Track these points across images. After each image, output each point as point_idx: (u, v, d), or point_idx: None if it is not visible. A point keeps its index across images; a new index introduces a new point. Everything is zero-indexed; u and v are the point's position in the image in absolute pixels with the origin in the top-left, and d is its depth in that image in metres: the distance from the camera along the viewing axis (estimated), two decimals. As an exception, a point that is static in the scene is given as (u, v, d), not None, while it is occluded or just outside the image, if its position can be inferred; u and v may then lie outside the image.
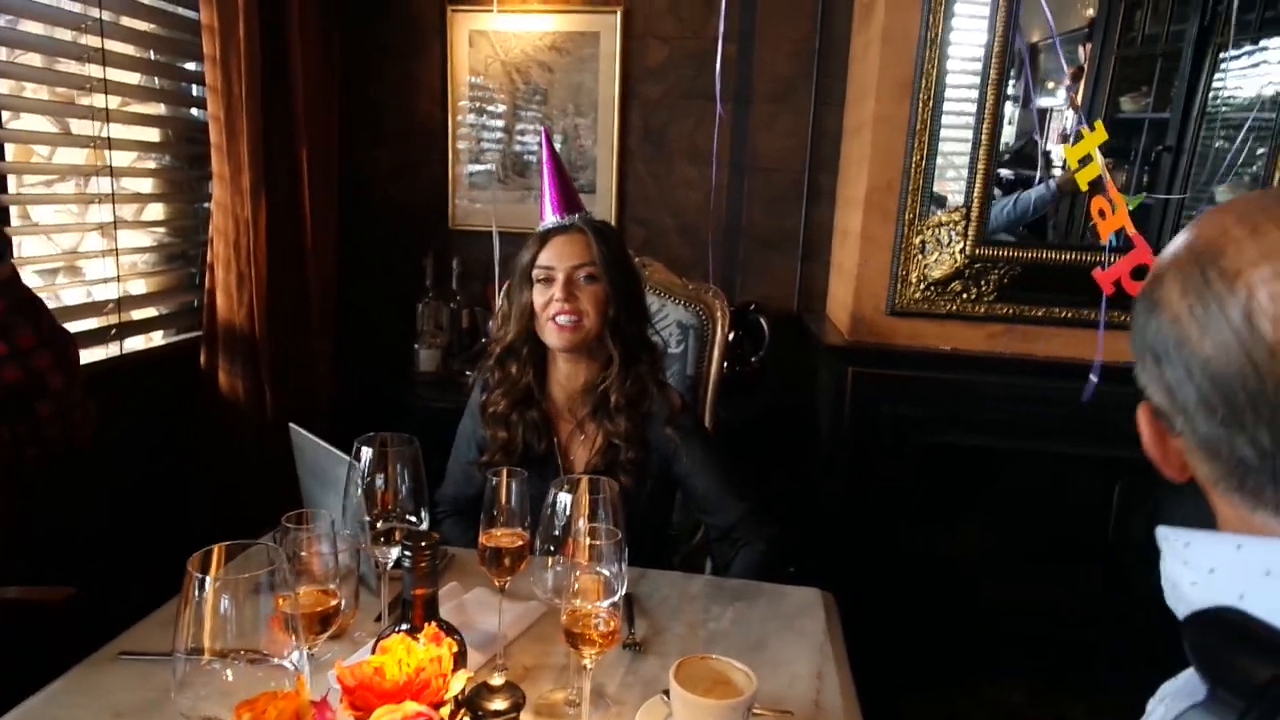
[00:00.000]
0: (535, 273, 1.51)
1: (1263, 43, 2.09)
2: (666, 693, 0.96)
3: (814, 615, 1.31)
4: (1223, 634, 0.53)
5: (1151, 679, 0.68)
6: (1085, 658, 2.29)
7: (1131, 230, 1.54)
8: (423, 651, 0.81)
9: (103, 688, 1.04)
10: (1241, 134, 2.19)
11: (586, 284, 1.49)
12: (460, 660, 0.90)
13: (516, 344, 1.55)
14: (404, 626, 0.93)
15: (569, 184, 1.58)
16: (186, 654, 0.74)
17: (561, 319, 1.48)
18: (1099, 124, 1.37)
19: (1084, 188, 1.74)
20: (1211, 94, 2.21)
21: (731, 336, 2.03)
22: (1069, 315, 2.16)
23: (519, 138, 2.84)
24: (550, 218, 1.54)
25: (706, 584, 1.42)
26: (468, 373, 2.54)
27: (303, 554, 0.96)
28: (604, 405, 1.53)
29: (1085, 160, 1.42)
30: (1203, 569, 0.57)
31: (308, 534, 0.97)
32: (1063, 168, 2.31)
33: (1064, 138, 2.42)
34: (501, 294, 1.66)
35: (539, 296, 1.51)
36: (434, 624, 0.91)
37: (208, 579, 0.72)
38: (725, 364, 1.97)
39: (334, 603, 0.95)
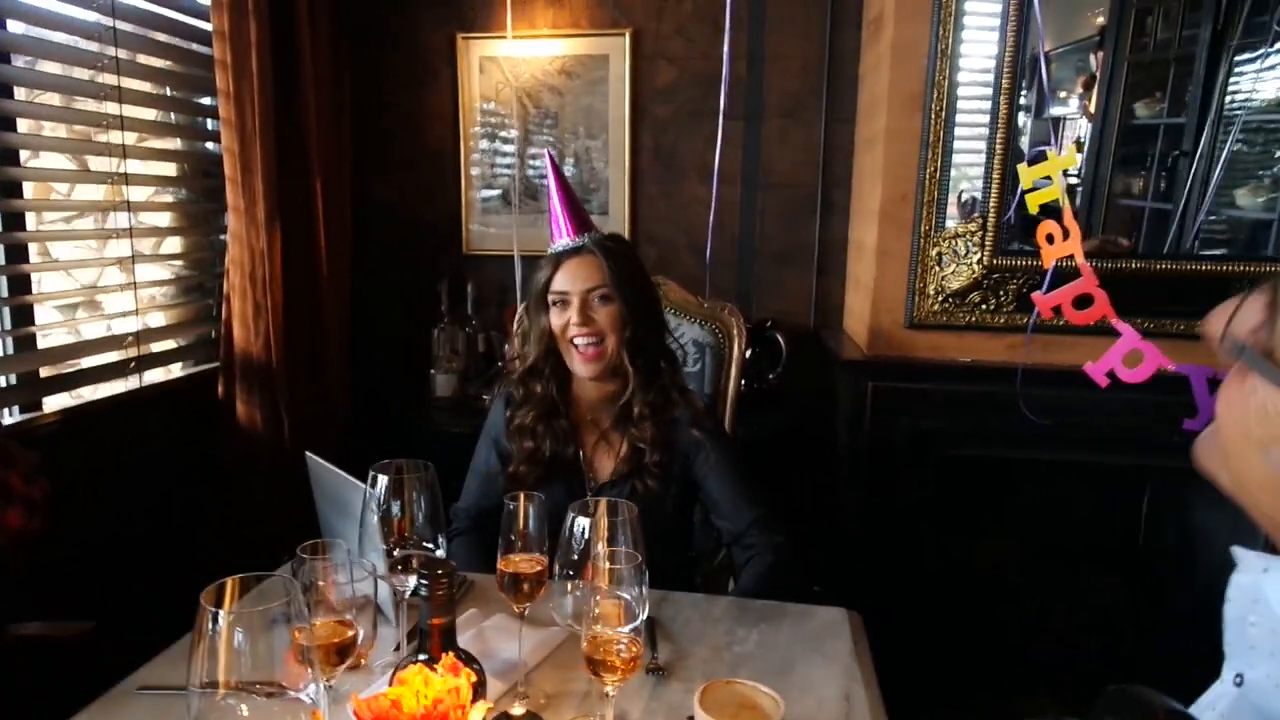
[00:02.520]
0: (550, 297, 1.53)
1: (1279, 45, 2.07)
2: (692, 718, 0.94)
3: (840, 636, 1.28)
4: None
5: (1183, 689, 0.66)
6: (1116, 669, 2.24)
7: (1080, 259, 1.52)
8: (440, 682, 0.80)
9: (121, 723, 1.03)
10: (1260, 137, 2.16)
11: (601, 305, 1.51)
12: (479, 690, 0.88)
13: (539, 365, 1.58)
14: (422, 657, 0.92)
15: (577, 204, 1.59)
16: (201, 689, 0.73)
17: (580, 341, 1.51)
18: (1071, 147, 1.34)
19: (1034, 210, 1.61)
20: (1227, 97, 2.19)
21: (749, 354, 2.01)
22: (1090, 323, 2.12)
23: (531, 162, 2.85)
24: (561, 240, 1.55)
25: (730, 605, 1.39)
26: (484, 397, 2.54)
27: (319, 584, 0.95)
28: (627, 416, 1.56)
29: (1042, 183, 1.38)
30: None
31: (324, 564, 0.95)
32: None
33: (1079, 146, 2.39)
34: (520, 313, 1.67)
35: (557, 320, 1.53)
36: (452, 654, 0.90)
37: (220, 613, 0.71)
38: (743, 381, 1.95)
39: (351, 633, 0.94)
